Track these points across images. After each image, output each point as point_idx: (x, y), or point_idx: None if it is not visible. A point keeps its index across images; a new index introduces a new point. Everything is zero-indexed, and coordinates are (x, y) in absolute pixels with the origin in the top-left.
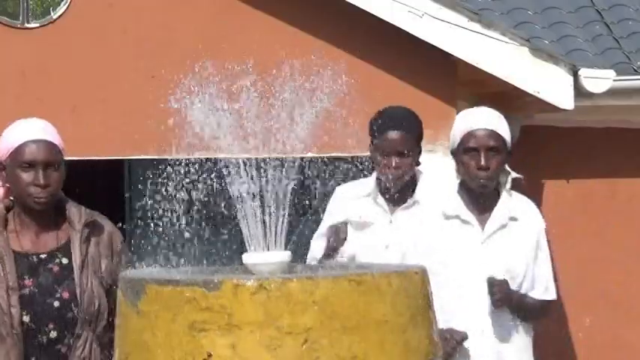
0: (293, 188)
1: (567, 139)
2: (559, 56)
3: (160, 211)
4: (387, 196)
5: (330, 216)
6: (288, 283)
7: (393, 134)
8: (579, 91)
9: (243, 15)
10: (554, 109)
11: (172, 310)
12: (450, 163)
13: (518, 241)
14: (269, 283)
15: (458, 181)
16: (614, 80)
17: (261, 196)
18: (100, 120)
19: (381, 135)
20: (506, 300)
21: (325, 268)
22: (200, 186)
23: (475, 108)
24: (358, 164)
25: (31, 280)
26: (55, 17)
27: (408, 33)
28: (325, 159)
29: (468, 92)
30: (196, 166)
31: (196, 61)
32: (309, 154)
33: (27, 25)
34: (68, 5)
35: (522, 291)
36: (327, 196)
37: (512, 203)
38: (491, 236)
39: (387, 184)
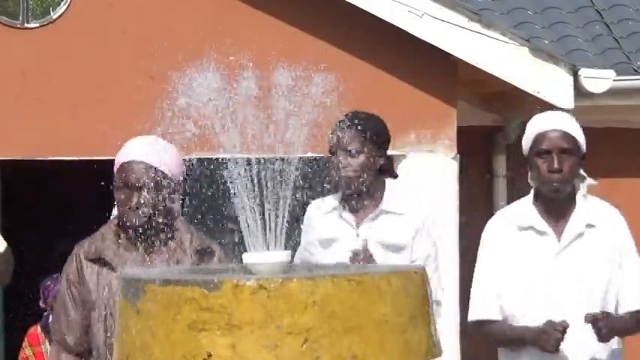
0: (293, 188)
1: None
2: (559, 56)
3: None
4: (352, 209)
5: (304, 232)
6: (288, 283)
7: (341, 131)
8: (579, 91)
9: (242, 15)
10: (555, 109)
11: (172, 310)
12: (451, 163)
13: (595, 249)
14: (269, 283)
15: (532, 191)
16: (614, 80)
17: (261, 196)
18: (99, 120)
19: (333, 134)
20: (613, 332)
21: (325, 268)
22: (199, 185)
23: (548, 112)
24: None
25: None
26: (54, 17)
27: (408, 33)
28: (324, 158)
29: (468, 92)
30: (195, 165)
31: (196, 61)
32: (309, 154)
33: (27, 25)
34: (68, 5)
35: (610, 303)
36: (326, 195)
37: (589, 209)
38: (568, 246)
39: (339, 185)
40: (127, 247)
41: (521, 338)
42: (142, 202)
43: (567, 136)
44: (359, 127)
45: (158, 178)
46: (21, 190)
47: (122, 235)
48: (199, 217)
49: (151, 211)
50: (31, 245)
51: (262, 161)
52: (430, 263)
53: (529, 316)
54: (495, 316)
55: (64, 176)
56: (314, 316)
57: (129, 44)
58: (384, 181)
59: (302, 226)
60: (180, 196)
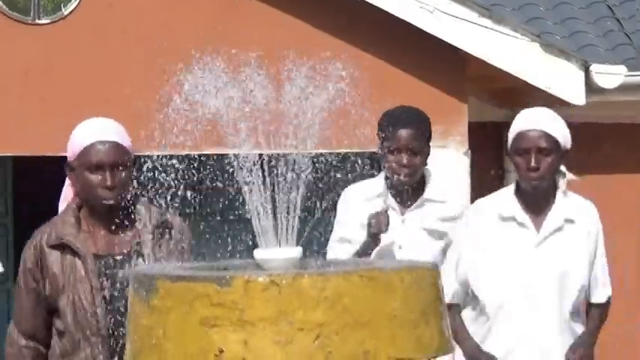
0: (304, 184)
1: (578, 134)
2: (570, 52)
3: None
4: (397, 197)
5: (341, 219)
6: (299, 279)
7: (404, 132)
8: (590, 87)
9: (249, 10)
10: (565, 104)
11: (184, 306)
12: (462, 158)
13: (573, 243)
14: (280, 278)
15: (514, 183)
16: (626, 76)
17: (273, 192)
18: (110, 117)
19: (392, 133)
20: (588, 355)
21: (336, 264)
22: (210, 182)
23: (530, 109)
24: (368, 160)
25: (109, 281)
26: (65, 13)
27: (418, 28)
28: (335, 154)
29: (479, 88)
30: (206, 162)
31: (204, 58)
32: (320, 150)
33: (38, 22)
34: (79, 1)
35: (583, 296)
36: (337, 191)
37: (567, 204)
38: (547, 239)
39: (398, 183)
40: (89, 230)
41: (463, 347)
42: (117, 180)
43: (546, 136)
44: (416, 125)
45: (125, 156)
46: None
47: (84, 219)
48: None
49: (123, 189)
50: None
51: (273, 157)
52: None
53: (505, 307)
54: (451, 300)
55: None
56: (326, 312)
57: (139, 41)
58: (425, 171)
59: (338, 212)
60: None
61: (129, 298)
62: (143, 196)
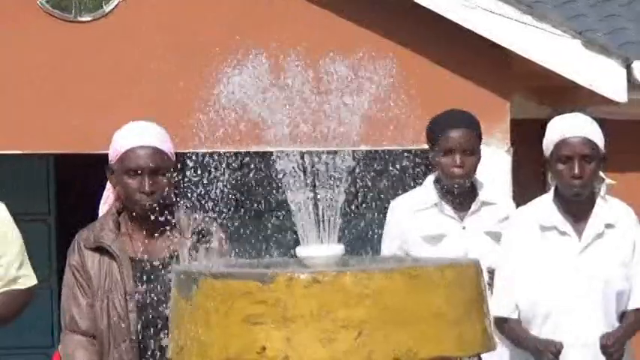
0: (347, 181)
1: (620, 131)
2: (612, 49)
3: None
4: (452, 204)
5: (391, 231)
6: (341, 277)
7: (456, 132)
8: (632, 84)
9: (292, 7)
10: (608, 101)
11: (227, 304)
12: (504, 156)
13: (614, 248)
14: (323, 276)
15: (552, 189)
16: None
17: (315, 189)
18: (147, 114)
19: (443, 134)
20: (621, 346)
21: (378, 262)
22: (253, 179)
23: (568, 114)
24: (411, 157)
25: (145, 286)
26: (106, 11)
27: (461, 26)
28: (378, 152)
29: (522, 85)
30: (249, 159)
31: (246, 55)
32: (363, 147)
33: (79, 19)
34: None
35: (625, 301)
36: (379, 188)
37: (607, 210)
38: (589, 246)
39: (453, 185)
40: (128, 234)
41: (526, 346)
42: (156, 185)
43: (588, 142)
44: (467, 125)
45: (165, 161)
46: (77, 186)
47: (123, 223)
48: (253, 211)
49: (162, 194)
50: None
51: (316, 154)
52: None
53: (552, 316)
54: (511, 314)
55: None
56: (368, 309)
57: (180, 39)
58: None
59: (388, 226)
60: (175, 180)
61: (171, 296)
62: (185, 202)
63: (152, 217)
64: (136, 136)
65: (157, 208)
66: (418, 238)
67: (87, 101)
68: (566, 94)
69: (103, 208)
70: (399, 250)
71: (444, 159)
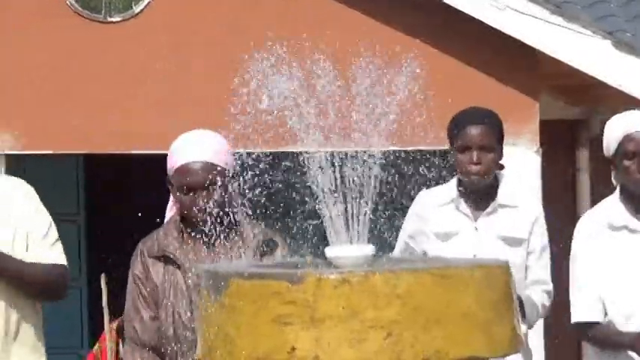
0: (376, 181)
1: None
2: None
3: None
4: (469, 202)
5: (411, 221)
6: (371, 277)
7: (473, 128)
8: None
9: (320, 7)
10: (637, 102)
11: (256, 304)
12: (533, 156)
13: None
14: (352, 276)
15: (617, 189)
16: None
17: (344, 190)
18: (176, 114)
19: (461, 131)
20: None
21: (408, 262)
22: (281, 180)
23: (627, 112)
24: (440, 157)
25: None
26: (136, 11)
27: (490, 26)
28: (408, 152)
29: (551, 85)
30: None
31: (274, 55)
32: (392, 147)
33: (109, 19)
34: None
35: None
36: (408, 188)
37: None
38: None
39: (470, 183)
40: (190, 243)
41: (627, 344)
42: (207, 201)
43: None
44: (489, 123)
45: (218, 175)
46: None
47: (185, 233)
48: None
49: (216, 209)
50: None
51: (345, 154)
52: (545, 256)
53: (635, 317)
54: (599, 318)
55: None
56: (397, 310)
57: (209, 39)
58: (496, 174)
59: (409, 215)
60: (236, 188)
61: (200, 296)
62: (247, 211)
63: (213, 227)
64: (188, 152)
65: (216, 219)
66: (431, 233)
67: (117, 102)
68: (595, 95)
69: (169, 214)
70: (410, 241)
71: (460, 156)
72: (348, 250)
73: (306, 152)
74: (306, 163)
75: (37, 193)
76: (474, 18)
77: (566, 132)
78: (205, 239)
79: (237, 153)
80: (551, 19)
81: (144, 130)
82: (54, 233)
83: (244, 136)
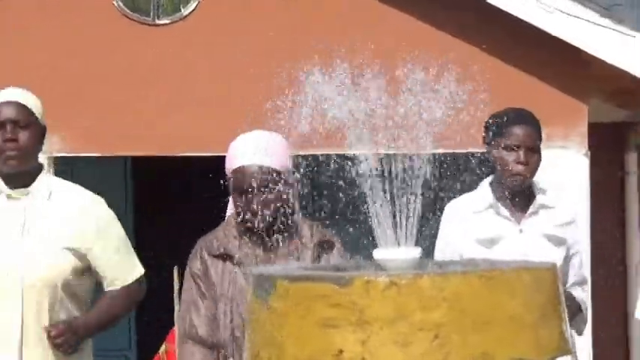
0: (424, 184)
1: None
2: None
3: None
4: (507, 205)
5: (446, 235)
6: (419, 279)
7: (521, 128)
8: None
9: (369, 9)
10: None
11: (303, 307)
12: (582, 159)
13: None
14: (400, 279)
15: None
16: None
17: (392, 192)
18: (226, 117)
19: (507, 131)
20: None
21: (455, 264)
22: (330, 182)
23: None
24: (489, 160)
25: None
26: (185, 14)
27: (538, 29)
28: (456, 155)
29: (599, 88)
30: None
31: (324, 58)
32: (440, 150)
33: (157, 22)
34: (198, 2)
35: None
36: (456, 191)
37: None
38: None
39: (513, 183)
40: (249, 243)
41: None
42: (263, 205)
43: None
44: (532, 123)
45: (274, 177)
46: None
47: (244, 233)
48: (329, 213)
49: (272, 212)
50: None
51: (393, 157)
52: (583, 256)
53: None
54: None
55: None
56: (445, 312)
57: (258, 41)
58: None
59: (443, 227)
60: (295, 189)
61: (248, 299)
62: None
63: (271, 227)
64: (243, 154)
65: (273, 220)
66: (472, 241)
67: (165, 104)
68: None
69: (230, 212)
70: (453, 254)
71: (507, 155)
72: (396, 252)
73: (355, 155)
74: (354, 165)
75: None
76: (522, 20)
77: (614, 135)
78: (263, 240)
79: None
80: (599, 21)
81: (191, 133)
82: (126, 246)
83: (293, 138)
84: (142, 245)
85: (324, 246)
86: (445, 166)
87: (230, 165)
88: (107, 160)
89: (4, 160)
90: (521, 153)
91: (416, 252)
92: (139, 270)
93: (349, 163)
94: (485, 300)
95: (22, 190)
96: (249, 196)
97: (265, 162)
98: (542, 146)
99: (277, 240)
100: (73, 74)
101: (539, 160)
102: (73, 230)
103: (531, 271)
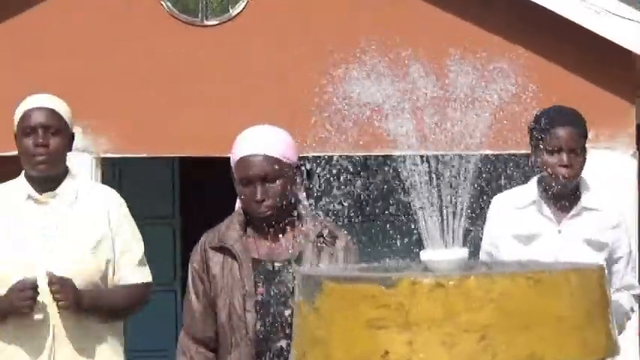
0: (471, 185)
1: None
2: None
3: (337, 208)
4: (551, 205)
5: (491, 228)
6: (465, 280)
7: (564, 130)
8: None
9: (417, 10)
10: None
11: (349, 307)
12: (630, 160)
13: None
14: (447, 280)
15: None
16: None
17: (439, 193)
18: (275, 117)
19: (549, 132)
20: None
21: (502, 266)
22: (378, 183)
23: None
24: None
25: (265, 287)
26: (233, 14)
27: (586, 29)
28: (503, 156)
29: None
30: (374, 162)
31: (371, 58)
32: (488, 151)
33: (206, 23)
34: (246, 2)
35: None
36: (502, 191)
37: None
38: None
39: (558, 185)
40: (252, 236)
41: None
42: (266, 194)
43: None
44: (576, 123)
45: (277, 167)
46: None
47: (247, 225)
48: (378, 214)
49: (276, 202)
50: None
51: (440, 158)
52: (632, 260)
53: None
54: None
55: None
56: (491, 314)
57: (306, 41)
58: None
59: (487, 220)
60: (300, 183)
61: (295, 300)
62: (311, 204)
63: (275, 219)
64: (247, 145)
65: (277, 212)
66: (509, 236)
67: (211, 105)
68: None
69: (238, 205)
70: (491, 246)
71: (550, 158)
72: (443, 253)
73: (401, 155)
74: (400, 166)
75: (132, 196)
76: (568, 20)
77: None
78: (266, 232)
79: (333, 156)
80: None
81: (236, 133)
82: (140, 248)
83: (340, 139)
84: (189, 246)
85: (327, 239)
86: (493, 167)
87: (234, 157)
88: (154, 161)
89: (34, 165)
90: (564, 156)
91: (463, 253)
92: (147, 275)
93: (396, 164)
94: (532, 301)
95: (50, 193)
96: (252, 186)
97: (270, 152)
98: (589, 146)
99: (279, 231)
100: (121, 75)
101: (583, 161)
102: (99, 232)
103: (578, 273)
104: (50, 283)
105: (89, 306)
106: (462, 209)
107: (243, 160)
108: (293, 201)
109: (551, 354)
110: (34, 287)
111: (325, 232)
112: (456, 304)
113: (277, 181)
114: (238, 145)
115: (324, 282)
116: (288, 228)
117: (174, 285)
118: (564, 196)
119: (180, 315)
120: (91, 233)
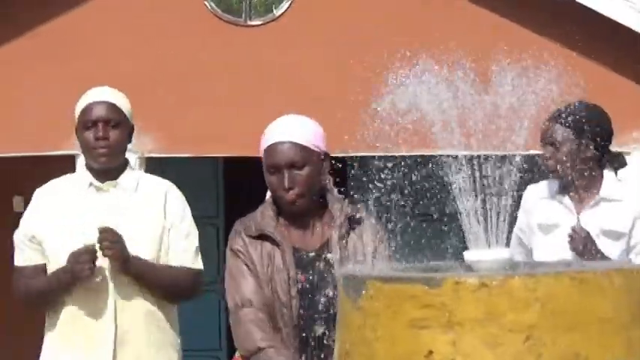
0: (514, 185)
1: None
2: None
3: (379, 208)
4: (572, 195)
5: (520, 215)
6: (509, 280)
7: (550, 124)
8: None
9: (455, 7)
10: None
11: (393, 307)
12: None
13: None
14: (490, 280)
15: None
16: None
17: (483, 193)
18: (319, 117)
19: (545, 127)
20: None
21: (546, 265)
22: (420, 183)
23: None
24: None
25: (303, 276)
26: (277, 15)
27: (628, 28)
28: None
29: None
30: (417, 162)
31: (414, 58)
32: (532, 152)
33: (250, 23)
34: (290, 3)
35: None
36: None
37: None
38: None
39: (552, 178)
40: (285, 224)
41: None
42: (293, 181)
43: None
44: (563, 119)
45: (304, 154)
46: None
47: (279, 214)
48: (422, 214)
49: (304, 189)
50: None
51: (484, 158)
52: None
53: None
54: None
55: None
56: (536, 314)
57: (349, 42)
58: (603, 172)
59: (520, 210)
60: (327, 169)
61: (339, 298)
62: (340, 190)
63: (303, 208)
64: (275, 134)
65: (306, 201)
66: (534, 225)
67: (256, 105)
68: None
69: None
70: (521, 232)
71: (543, 152)
72: (487, 253)
73: (445, 155)
74: (444, 166)
75: None
76: (612, 20)
77: None
78: (296, 221)
79: (376, 156)
80: None
81: None
82: (195, 237)
83: (385, 139)
84: None
85: (352, 222)
86: (536, 167)
87: (263, 144)
88: (198, 161)
89: (95, 157)
90: (547, 148)
91: (506, 253)
92: (199, 264)
93: (440, 163)
94: (576, 301)
95: (111, 182)
96: (280, 174)
97: (297, 139)
98: (633, 147)
99: (309, 220)
100: (165, 76)
101: (567, 152)
102: (157, 221)
103: (622, 273)
104: (101, 232)
105: (136, 270)
106: (505, 209)
107: (271, 148)
108: (323, 189)
109: (597, 354)
110: (92, 252)
111: (350, 215)
112: (500, 304)
113: (304, 169)
114: (267, 134)
115: (368, 282)
116: (317, 216)
117: (219, 285)
118: (587, 187)
119: (224, 314)
120: (150, 222)
